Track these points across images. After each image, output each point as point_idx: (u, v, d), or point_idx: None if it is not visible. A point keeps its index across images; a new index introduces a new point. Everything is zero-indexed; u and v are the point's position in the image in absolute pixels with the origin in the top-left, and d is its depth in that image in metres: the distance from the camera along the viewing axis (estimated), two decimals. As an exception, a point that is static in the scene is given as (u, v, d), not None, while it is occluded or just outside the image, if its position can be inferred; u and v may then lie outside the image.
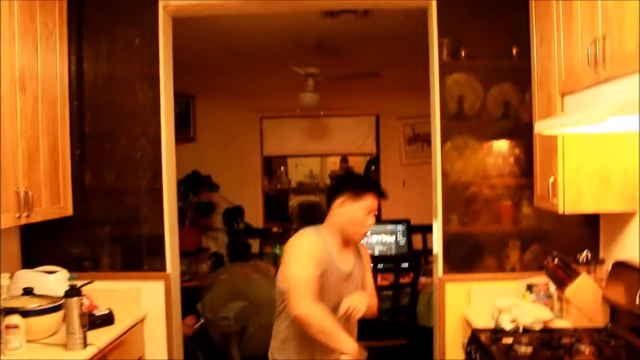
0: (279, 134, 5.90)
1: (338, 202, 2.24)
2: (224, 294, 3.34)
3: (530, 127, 2.83)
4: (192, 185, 5.15)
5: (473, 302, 2.92)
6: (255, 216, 5.72)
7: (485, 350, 2.31)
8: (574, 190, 2.45)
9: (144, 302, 3.05)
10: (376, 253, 4.40)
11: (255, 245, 5.55)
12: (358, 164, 6.81)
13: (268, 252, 5.15)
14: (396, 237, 4.40)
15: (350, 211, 2.22)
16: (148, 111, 3.07)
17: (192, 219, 5.26)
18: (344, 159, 6.72)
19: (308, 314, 2.05)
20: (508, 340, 2.34)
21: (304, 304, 2.06)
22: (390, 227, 4.45)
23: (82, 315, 2.39)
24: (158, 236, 3.06)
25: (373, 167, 6.21)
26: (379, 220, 5.45)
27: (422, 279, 4.07)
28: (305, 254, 2.17)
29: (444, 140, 2.94)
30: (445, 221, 2.96)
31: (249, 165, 5.79)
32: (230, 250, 5.47)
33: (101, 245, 3.10)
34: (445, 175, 2.95)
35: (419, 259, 3.99)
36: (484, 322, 2.63)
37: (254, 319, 3.21)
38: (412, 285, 3.87)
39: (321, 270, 2.16)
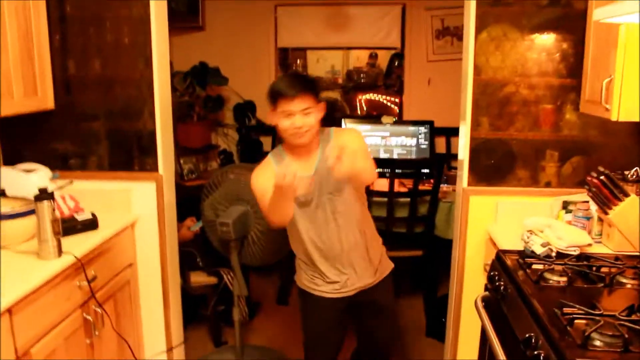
0: (295, 24, 5.37)
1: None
2: (227, 196, 3.04)
3: (583, 15, 2.37)
4: (199, 78, 4.75)
5: (499, 219, 2.60)
6: (268, 112, 5.33)
7: (512, 277, 2.00)
8: (633, 93, 2.03)
9: (134, 205, 2.79)
10: (395, 156, 4.04)
11: (267, 143, 5.24)
12: (382, 59, 6.30)
13: (280, 151, 4.84)
14: (417, 140, 4.01)
15: (275, 120, 2.12)
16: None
17: (200, 114, 4.92)
18: (373, 55, 6.20)
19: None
20: (538, 267, 2.03)
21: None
22: (411, 128, 4.04)
23: (54, 220, 2.12)
24: (149, 132, 2.74)
25: (397, 63, 5.72)
26: (400, 120, 5.06)
27: (443, 187, 3.74)
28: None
29: (478, 29, 2.47)
30: (475, 125, 2.57)
31: (262, 57, 5.32)
32: (241, 148, 5.16)
33: (88, 142, 2.80)
34: (477, 71, 2.51)
35: (442, 164, 3.62)
36: (510, 243, 2.32)
37: (255, 225, 2.93)
38: (433, 193, 3.54)
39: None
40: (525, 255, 2.15)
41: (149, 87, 2.69)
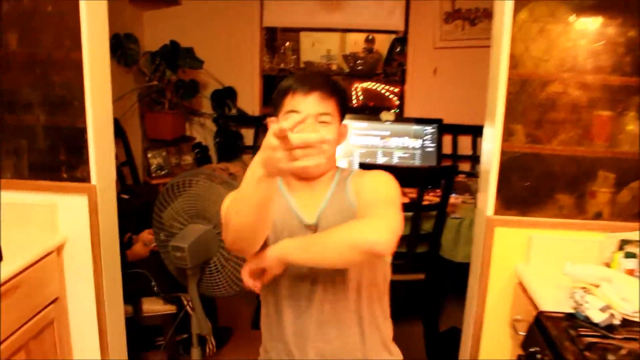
0: (284, 0, 4.73)
1: None
2: (186, 209, 2.44)
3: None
4: (169, 60, 4.10)
5: (532, 258, 1.99)
6: (250, 100, 4.69)
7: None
8: None
9: (62, 223, 2.18)
10: (395, 160, 3.42)
11: (248, 136, 4.61)
12: (382, 44, 5.65)
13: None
14: (423, 142, 3.40)
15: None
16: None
17: (171, 101, 4.27)
18: (369, 38, 5.53)
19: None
20: (596, 341, 1.44)
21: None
22: (416, 128, 3.41)
23: None
24: (79, 131, 2.11)
25: (398, 49, 5.07)
26: (402, 117, 4.44)
27: (451, 198, 3.13)
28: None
29: (517, 6, 1.85)
30: (506, 134, 1.95)
31: (245, 38, 4.64)
32: (219, 141, 4.51)
33: (0, 142, 2.17)
34: (513, 62, 1.88)
35: (453, 174, 3.01)
36: (549, 292, 1.74)
37: (219, 248, 2.33)
38: (440, 207, 2.94)
39: None
40: (577, 324, 1.55)
41: (77, 71, 2.05)
